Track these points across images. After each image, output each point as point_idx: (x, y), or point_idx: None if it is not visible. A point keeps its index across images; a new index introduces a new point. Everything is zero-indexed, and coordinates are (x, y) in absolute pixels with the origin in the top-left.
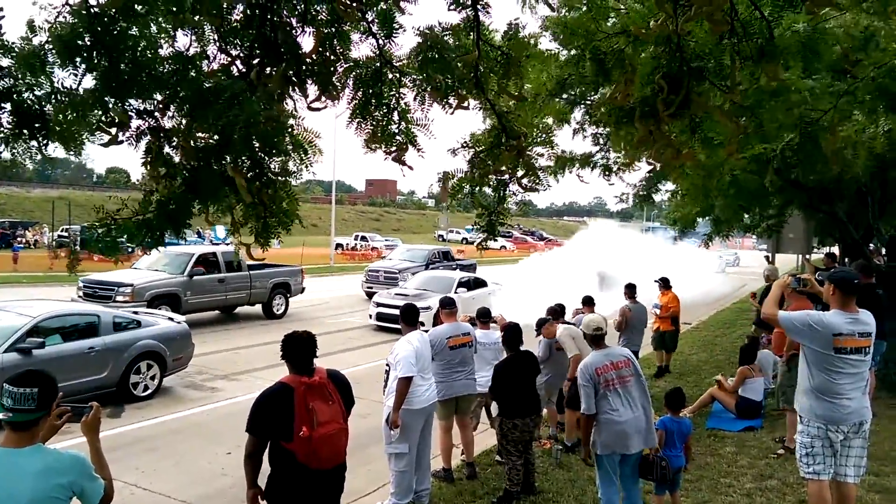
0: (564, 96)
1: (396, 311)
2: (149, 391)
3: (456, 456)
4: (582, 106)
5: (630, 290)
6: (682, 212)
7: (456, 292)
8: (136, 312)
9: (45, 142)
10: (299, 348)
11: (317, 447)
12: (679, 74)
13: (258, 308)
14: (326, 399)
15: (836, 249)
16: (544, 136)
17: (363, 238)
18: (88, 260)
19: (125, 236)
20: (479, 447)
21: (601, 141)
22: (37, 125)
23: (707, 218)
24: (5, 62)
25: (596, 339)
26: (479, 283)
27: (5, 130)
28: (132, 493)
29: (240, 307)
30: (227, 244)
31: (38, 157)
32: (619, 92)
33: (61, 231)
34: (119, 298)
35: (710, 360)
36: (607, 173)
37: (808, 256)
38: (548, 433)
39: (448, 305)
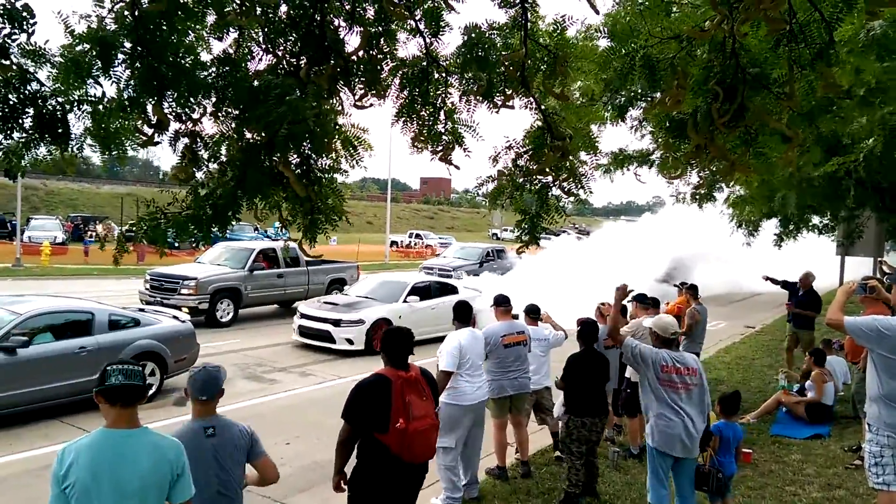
0: (622, 93)
1: (321, 326)
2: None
3: (510, 455)
4: (641, 103)
5: (693, 291)
6: (745, 214)
7: (405, 301)
8: (141, 310)
9: (65, 146)
10: (398, 343)
11: (411, 441)
12: (734, 82)
13: None
14: (420, 394)
15: None
16: (588, 141)
17: (417, 236)
18: (154, 254)
19: (174, 230)
20: (534, 446)
21: (658, 142)
22: (58, 130)
23: (775, 219)
24: (42, 72)
25: (668, 342)
26: (446, 291)
27: (26, 135)
28: None
29: (298, 301)
30: (285, 240)
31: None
32: (670, 98)
33: (129, 226)
34: (184, 291)
35: (774, 364)
36: (665, 173)
37: (882, 259)
38: (606, 434)
39: (503, 304)
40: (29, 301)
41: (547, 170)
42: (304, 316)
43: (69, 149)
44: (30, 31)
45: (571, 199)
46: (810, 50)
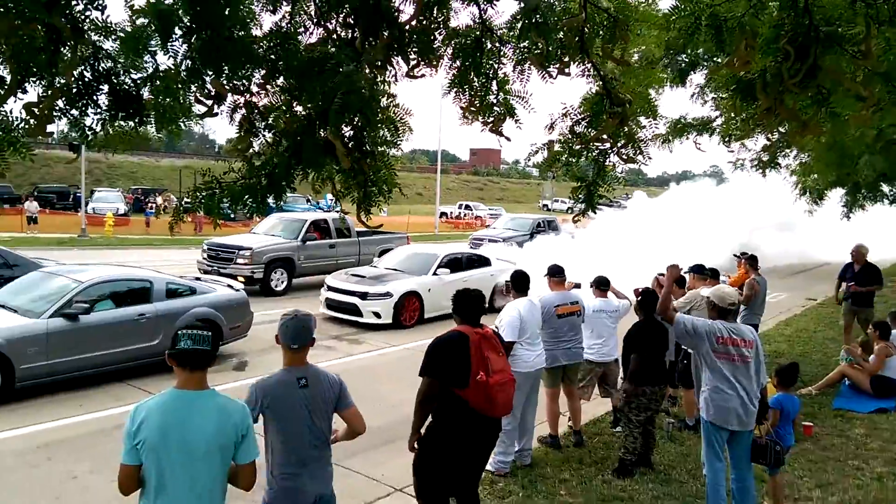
0: (684, 56)
1: (347, 298)
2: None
3: (563, 424)
4: (703, 66)
5: (753, 261)
6: (809, 182)
7: (436, 273)
8: (197, 279)
9: (139, 122)
10: (470, 302)
11: (493, 394)
12: (806, 40)
13: None
14: (497, 350)
15: None
16: (647, 105)
17: (467, 207)
18: (211, 224)
19: (229, 199)
20: (586, 416)
21: (722, 106)
22: (133, 107)
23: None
24: (108, 45)
25: (726, 312)
26: (478, 263)
27: (102, 112)
28: (260, 439)
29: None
30: (337, 212)
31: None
32: (738, 59)
33: (184, 199)
34: (239, 261)
35: (836, 337)
36: (727, 140)
37: None
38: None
39: (556, 274)
40: (91, 270)
41: (605, 136)
42: (330, 288)
43: (143, 125)
44: (102, 6)
45: (629, 166)
46: (889, 5)
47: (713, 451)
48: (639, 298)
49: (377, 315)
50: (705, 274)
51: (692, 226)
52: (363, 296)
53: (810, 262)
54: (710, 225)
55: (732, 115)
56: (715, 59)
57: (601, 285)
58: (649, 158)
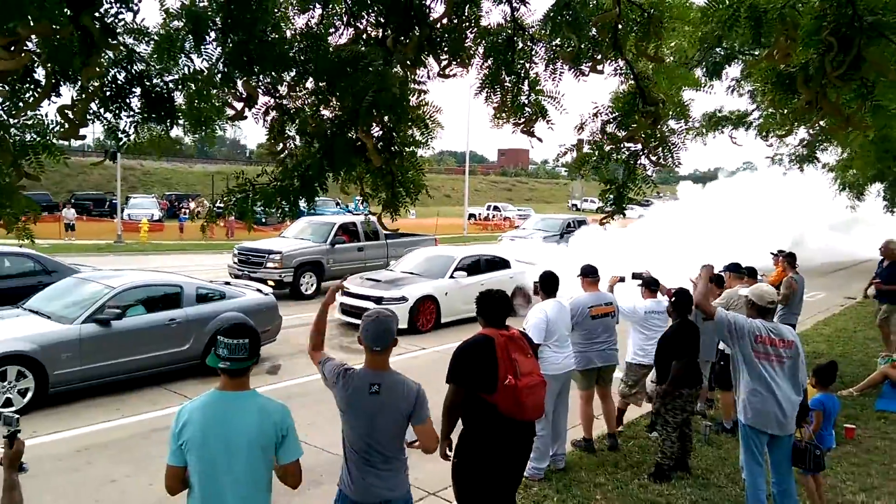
0: (719, 50)
1: (364, 304)
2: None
3: (597, 427)
4: (739, 59)
5: (791, 259)
6: (849, 176)
7: (452, 276)
8: (227, 283)
9: (171, 125)
10: (494, 304)
11: (522, 397)
12: (849, 31)
13: None
14: (525, 352)
15: None
16: (680, 108)
17: (496, 208)
18: (242, 229)
19: (262, 202)
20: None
21: (759, 99)
22: (165, 109)
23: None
24: (141, 47)
25: (764, 311)
26: (496, 265)
27: (134, 114)
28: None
29: None
30: (365, 214)
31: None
32: (778, 51)
33: (217, 202)
34: (269, 265)
35: (877, 336)
36: (765, 134)
37: None
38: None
39: (589, 274)
40: (122, 275)
41: (636, 137)
42: (346, 293)
43: (174, 127)
44: (135, 9)
45: (658, 168)
46: None
47: (752, 456)
48: (672, 299)
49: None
50: (742, 272)
51: (743, 219)
52: (378, 300)
53: (849, 259)
54: (761, 219)
55: (771, 109)
56: (753, 52)
57: (651, 286)
58: (680, 163)
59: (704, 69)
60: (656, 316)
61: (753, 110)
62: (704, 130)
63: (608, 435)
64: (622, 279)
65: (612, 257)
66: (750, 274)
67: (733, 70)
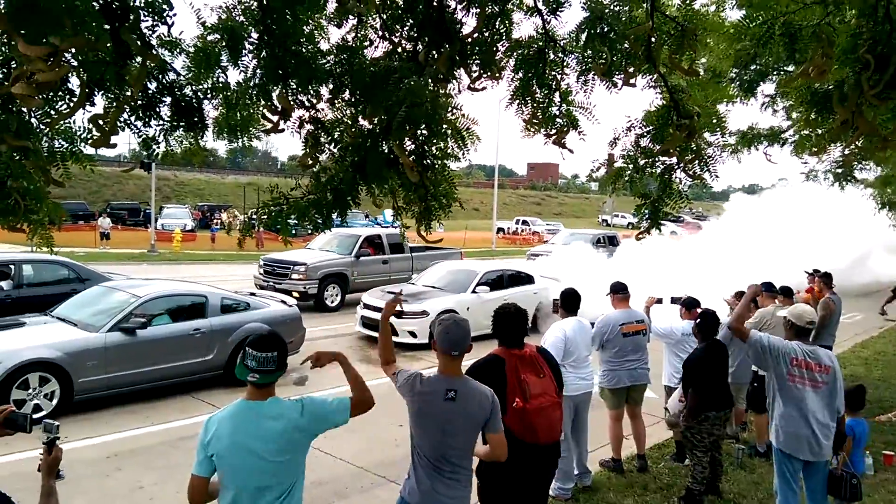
0: (753, 67)
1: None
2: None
3: (626, 447)
4: (773, 77)
5: (827, 279)
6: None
7: (474, 291)
8: (252, 294)
9: (201, 133)
10: (509, 322)
11: (532, 420)
12: (887, 49)
13: None
14: (538, 372)
15: None
16: (716, 120)
17: (524, 222)
18: (272, 240)
19: (295, 214)
20: (651, 441)
21: (793, 118)
22: (194, 118)
23: None
24: (179, 60)
25: (803, 332)
26: (520, 280)
27: (164, 122)
28: (316, 456)
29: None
30: (395, 227)
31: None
32: (813, 68)
33: (251, 214)
34: (294, 276)
35: None
36: (800, 152)
37: None
38: (730, 431)
39: (620, 291)
40: (149, 285)
41: (671, 150)
42: (367, 306)
43: (204, 136)
44: (170, 22)
45: (694, 182)
46: None
47: (785, 481)
48: (697, 321)
49: (412, 335)
50: (775, 292)
51: (801, 233)
52: (399, 314)
53: (887, 280)
54: (815, 236)
55: (806, 130)
56: (787, 68)
57: (691, 306)
58: (716, 176)
59: (738, 86)
60: (694, 338)
61: (788, 128)
62: (739, 147)
63: (638, 456)
64: (660, 301)
65: (658, 272)
66: (785, 293)
67: (767, 87)
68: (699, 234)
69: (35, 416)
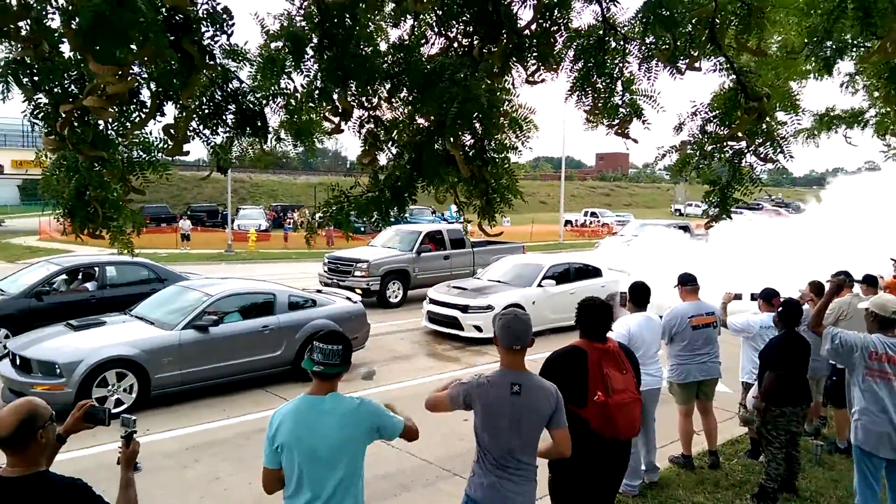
0: (829, 43)
1: (449, 311)
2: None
3: (697, 444)
4: (852, 53)
5: (871, 281)
6: None
7: (540, 285)
8: (318, 291)
9: (264, 138)
10: (594, 315)
11: (613, 414)
12: None
13: None
14: (620, 368)
15: None
16: (788, 100)
17: (593, 214)
18: (342, 238)
19: (356, 212)
20: (723, 436)
21: (873, 96)
22: (258, 124)
23: None
24: (243, 71)
25: (886, 323)
26: (587, 274)
27: (230, 129)
28: (381, 449)
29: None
30: (459, 222)
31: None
32: (891, 43)
33: (314, 213)
34: (357, 273)
35: None
36: (883, 133)
37: None
38: (808, 429)
39: (689, 283)
40: (221, 284)
41: (740, 134)
42: (433, 301)
43: (267, 141)
44: (229, 32)
45: (768, 166)
46: None
47: (865, 480)
48: (779, 309)
49: (478, 329)
50: (851, 282)
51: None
52: (464, 309)
53: None
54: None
55: (886, 108)
56: (866, 44)
57: (770, 298)
58: (791, 157)
59: (814, 63)
60: (772, 332)
61: (869, 107)
62: (816, 131)
63: (709, 452)
64: (738, 296)
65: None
66: (869, 282)
67: (846, 65)
68: (802, 215)
69: (116, 410)
